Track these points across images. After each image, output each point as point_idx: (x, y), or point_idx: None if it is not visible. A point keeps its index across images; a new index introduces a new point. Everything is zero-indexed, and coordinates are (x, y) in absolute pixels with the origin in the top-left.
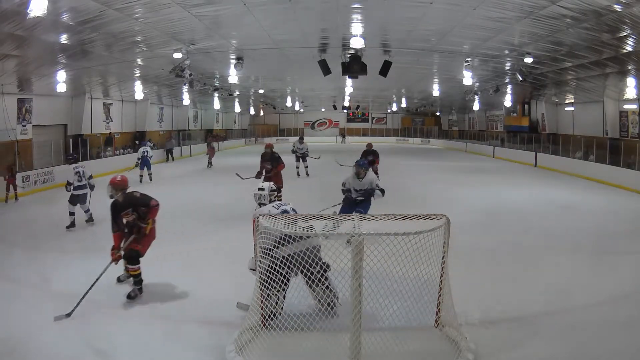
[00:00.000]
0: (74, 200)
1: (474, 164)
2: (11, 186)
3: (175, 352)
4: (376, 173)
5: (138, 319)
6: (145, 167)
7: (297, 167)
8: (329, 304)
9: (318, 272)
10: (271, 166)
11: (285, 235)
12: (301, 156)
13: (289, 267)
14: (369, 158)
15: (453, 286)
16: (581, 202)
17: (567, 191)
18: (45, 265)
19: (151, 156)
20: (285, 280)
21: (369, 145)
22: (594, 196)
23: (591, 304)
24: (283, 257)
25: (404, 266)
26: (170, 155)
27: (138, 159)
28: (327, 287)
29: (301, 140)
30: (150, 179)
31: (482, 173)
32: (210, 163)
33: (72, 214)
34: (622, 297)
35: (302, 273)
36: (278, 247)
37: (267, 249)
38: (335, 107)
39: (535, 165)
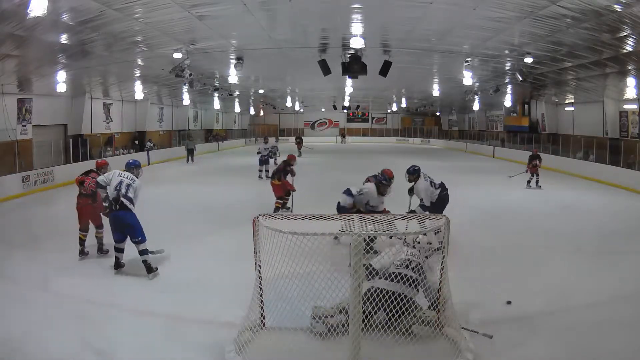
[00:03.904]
0: None
1: (474, 164)
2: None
3: (175, 352)
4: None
5: (138, 318)
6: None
7: None
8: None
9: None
10: None
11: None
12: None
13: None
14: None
15: (453, 286)
16: (581, 202)
17: (567, 191)
18: (45, 265)
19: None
20: None
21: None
22: (594, 196)
23: (591, 304)
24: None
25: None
26: (190, 156)
27: (259, 152)
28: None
29: None
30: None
31: (482, 173)
32: (300, 153)
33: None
34: (622, 297)
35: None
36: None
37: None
38: (335, 107)
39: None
